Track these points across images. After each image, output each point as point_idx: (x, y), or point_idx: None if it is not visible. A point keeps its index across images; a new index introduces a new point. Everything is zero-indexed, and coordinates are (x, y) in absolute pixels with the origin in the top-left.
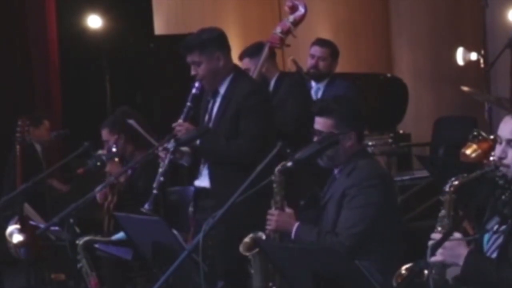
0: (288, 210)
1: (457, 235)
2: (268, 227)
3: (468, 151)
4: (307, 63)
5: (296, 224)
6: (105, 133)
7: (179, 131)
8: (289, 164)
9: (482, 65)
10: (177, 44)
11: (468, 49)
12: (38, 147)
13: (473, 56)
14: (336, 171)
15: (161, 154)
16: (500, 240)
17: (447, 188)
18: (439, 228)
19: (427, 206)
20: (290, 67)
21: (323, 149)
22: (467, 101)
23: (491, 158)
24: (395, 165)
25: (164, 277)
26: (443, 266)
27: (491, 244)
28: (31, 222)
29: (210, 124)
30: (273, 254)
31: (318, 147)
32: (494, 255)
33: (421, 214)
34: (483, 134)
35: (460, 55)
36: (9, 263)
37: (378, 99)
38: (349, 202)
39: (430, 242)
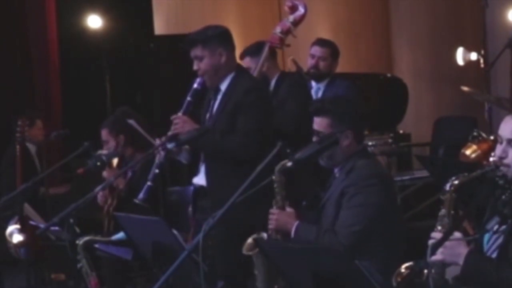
0: (288, 209)
1: (457, 234)
2: (269, 227)
3: (467, 152)
4: (307, 63)
5: (296, 223)
6: (104, 133)
7: (176, 123)
8: (289, 164)
9: (482, 65)
10: (177, 44)
11: (468, 49)
12: (31, 147)
13: (473, 56)
14: (336, 170)
15: (157, 144)
16: (500, 240)
17: (447, 187)
18: (439, 227)
19: (426, 205)
20: (290, 67)
21: (323, 149)
22: (467, 101)
23: (491, 159)
24: (395, 165)
25: (164, 277)
26: (442, 265)
27: (491, 244)
28: (31, 222)
29: (211, 121)
30: (273, 254)
31: (318, 147)
32: (494, 255)
33: (420, 213)
34: (483, 134)
35: (460, 55)
36: (9, 263)
37: (378, 99)
38: (348, 201)
39: (430, 241)
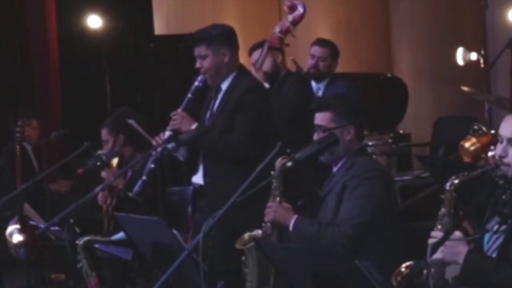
0: (286, 204)
1: (457, 234)
2: (266, 219)
3: (467, 144)
4: (307, 63)
5: (295, 217)
6: (104, 133)
7: (175, 120)
8: (289, 164)
9: (482, 65)
10: (177, 44)
11: (468, 49)
12: (27, 147)
13: (473, 56)
14: (335, 168)
15: (155, 142)
16: (500, 240)
17: (447, 186)
18: (439, 226)
19: (423, 197)
20: (290, 67)
21: (322, 149)
22: (467, 101)
23: (490, 153)
24: (395, 165)
25: (164, 277)
26: (442, 264)
27: (491, 244)
28: (31, 222)
29: (211, 120)
30: (273, 254)
31: (318, 147)
32: (494, 255)
33: (420, 213)
34: (484, 128)
35: (460, 55)
36: (9, 263)
37: (378, 99)
38: (350, 193)
39: (430, 240)
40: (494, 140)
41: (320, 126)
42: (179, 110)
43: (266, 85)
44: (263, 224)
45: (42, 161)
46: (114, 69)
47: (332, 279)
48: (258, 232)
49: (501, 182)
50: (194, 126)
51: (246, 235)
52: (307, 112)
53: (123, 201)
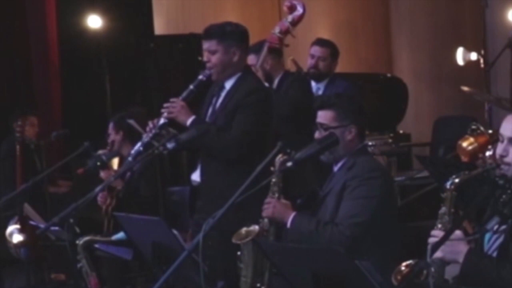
0: (284, 201)
1: (457, 233)
2: (264, 214)
3: (464, 144)
4: (307, 63)
5: (293, 214)
6: (110, 127)
7: (173, 107)
8: (289, 164)
9: (482, 65)
10: (177, 44)
11: (468, 49)
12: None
13: (473, 56)
14: (335, 168)
15: (149, 126)
16: (500, 240)
17: (448, 185)
18: (440, 225)
19: (423, 192)
20: (290, 67)
21: (322, 149)
22: (467, 101)
23: (488, 153)
24: (395, 165)
25: (164, 277)
26: (442, 264)
27: (491, 244)
28: (31, 222)
29: (213, 118)
30: (272, 253)
31: (318, 147)
32: (494, 255)
33: (420, 213)
34: (481, 128)
35: (460, 55)
36: (9, 263)
37: (378, 99)
38: (350, 193)
39: (431, 239)
40: (492, 139)
41: (322, 124)
42: (179, 98)
43: (266, 85)
44: (260, 220)
45: (42, 161)
46: (114, 69)
47: (332, 279)
48: (255, 227)
49: (501, 182)
50: (190, 119)
51: (243, 230)
52: (305, 110)
53: (122, 202)
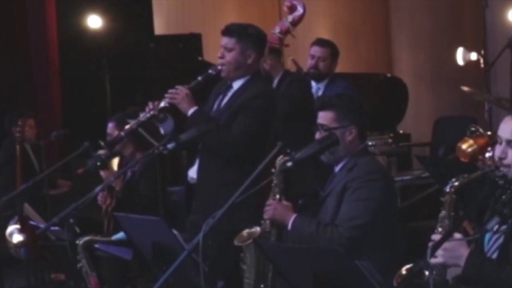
0: (285, 202)
1: (457, 235)
2: (265, 216)
3: (464, 146)
4: (307, 63)
5: (294, 216)
6: (110, 127)
7: (177, 93)
8: (289, 164)
9: (482, 65)
10: (177, 44)
11: (468, 49)
12: (26, 146)
13: (473, 56)
14: (336, 168)
15: (149, 106)
16: (500, 240)
17: (447, 189)
18: (440, 229)
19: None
20: (290, 67)
21: (323, 149)
22: (467, 101)
23: (487, 154)
24: (395, 165)
25: (164, 277)
26: (443, 267)
27: (491, 244)
28: (31, 222)
29: (216, 115)
30: (273, 254)
31: (318, 147)
32: (494, 255)
33: (420, 213)
34: (481, 130)
35: (460, 55)
36: (9, 263)
37: (378, 99)
38: (350, 195)
39: (431, 244)
40: (491, 141)
41: (322, 125)
42: (185, 87)
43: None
44: (262, 222)
45: (42, 161)
46: (114, 69)
47: (332, 279)
48: (257, 229)
49: (501, 182)
50: (192, 109)
51: (245, 232)
52: (303, 109)
53: (121, 202)
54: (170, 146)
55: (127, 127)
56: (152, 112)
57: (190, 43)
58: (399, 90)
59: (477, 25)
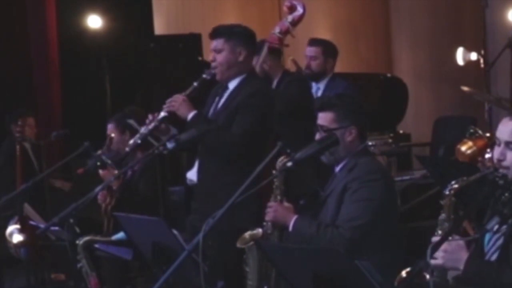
0: (287, 204)
1: (457, 238)
2: (266, 218)
3: (463, 148)
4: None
5: (295, 217)
6: (110, 127)
7: (174, 101)
8: (289, 164)
9: (482, 65)
10: (177, 44)
11: (468, 49)
12: (26, 146)
13: (473, 56)
14: (337, 169)
15: (149, 118)
16: (500, 241)
17: (447, 191)
18: (440, 232)
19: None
20: (290, 67)
21: (323, 149)
22: (467, 101)
23: (487, 155)
24: (395, 165)
25: (164, 277)
26: (444, 269)
27: (491, 245)
28: (31, 222)
29: (213, 117)
30: (273, 254)
31: (318, 147)
32: (494, 256)
33: (420, 214)
34: (479, 131)
35: (460, 55)
36: (9, 263)
37: (378, 99)
38: (351, 195)
39: (431, 246)
40: (490, 142)
41: (322, 126)
42: (182, 94)
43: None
44: (264, 223)
45: (42, 161)
46: (114, 69)
47: (332, 279)
48: (259, 231)
49: (501, 182)
50: (191, 113)
51: (247, 234)
52: (301, 108)
53: (120, 202)
54: (170, 146)
55: (131, 142)
56: (153, 124)
57: (190, 43)
58: (399, 90)
59: (477, 25)
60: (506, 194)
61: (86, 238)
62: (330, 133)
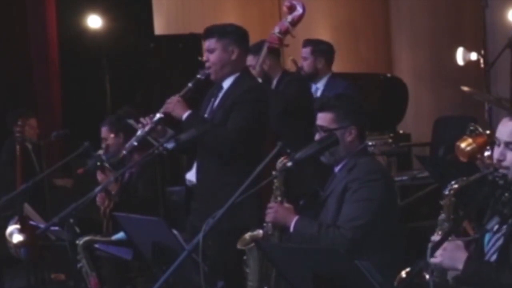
0: (287, 205)
1: (458, 242)
2: (267, 219)
3: (463, 145)
4: None
5: (296, 218)
6: (104, 131)
7: (169, 103)
8: (289, 164)
9: (482, 65)
10: (177, 44)
11: (468, 49)
12: (28, 146)
13: (473, 56)
14: (336, 169)
15: (144, 121)
16: (500, 241)
17: (446, 191)
18: (439, 232)
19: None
20: (290, 67)
21: (322, 149)
22: (467, 101)
23: (486, 153)
24: (395, 165)
25: (164, 277)
26: (444, 269)
27: (491, 245)
28: (31, 222)
29: (210, 117)
30: (273, 254)
31: (318, 147)
32: (494, 257)
33: (420, 213)
34: (480, 129)
35: (460, 55)
36: (9, 263)
37: (378, 99)
38: (351, 196)
39: (430, 245)
40: (490, 140)
41: (321, 127)
42: (176, 96)
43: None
44: (264, 224)
45: (42, 161)
46: (114, 69)
47: (332, 279)
48: (259, 232)
49: (501, 182)
50: (186, 113)
51: (247, 235)
52: (300, 108)
53: (118, 206)
54: (169, 146)
55: (127, 144)
56: (149, 126)
57: (190, 43)
58: (399, 90)
59: (477, 25)
60: (506, 194)
61: (86, 238)
62: (330, 133)
